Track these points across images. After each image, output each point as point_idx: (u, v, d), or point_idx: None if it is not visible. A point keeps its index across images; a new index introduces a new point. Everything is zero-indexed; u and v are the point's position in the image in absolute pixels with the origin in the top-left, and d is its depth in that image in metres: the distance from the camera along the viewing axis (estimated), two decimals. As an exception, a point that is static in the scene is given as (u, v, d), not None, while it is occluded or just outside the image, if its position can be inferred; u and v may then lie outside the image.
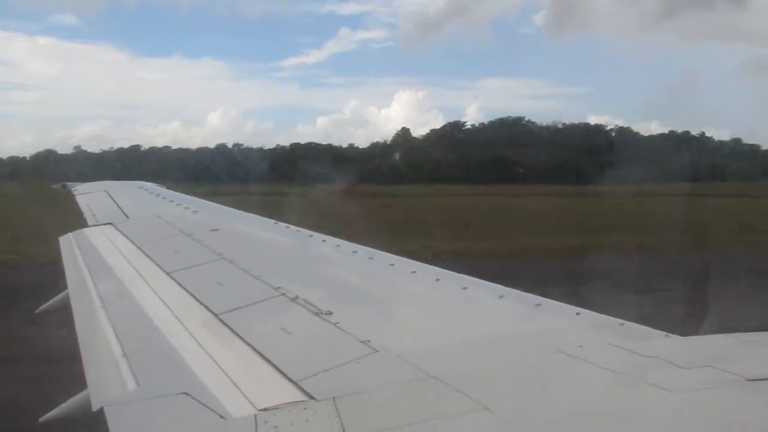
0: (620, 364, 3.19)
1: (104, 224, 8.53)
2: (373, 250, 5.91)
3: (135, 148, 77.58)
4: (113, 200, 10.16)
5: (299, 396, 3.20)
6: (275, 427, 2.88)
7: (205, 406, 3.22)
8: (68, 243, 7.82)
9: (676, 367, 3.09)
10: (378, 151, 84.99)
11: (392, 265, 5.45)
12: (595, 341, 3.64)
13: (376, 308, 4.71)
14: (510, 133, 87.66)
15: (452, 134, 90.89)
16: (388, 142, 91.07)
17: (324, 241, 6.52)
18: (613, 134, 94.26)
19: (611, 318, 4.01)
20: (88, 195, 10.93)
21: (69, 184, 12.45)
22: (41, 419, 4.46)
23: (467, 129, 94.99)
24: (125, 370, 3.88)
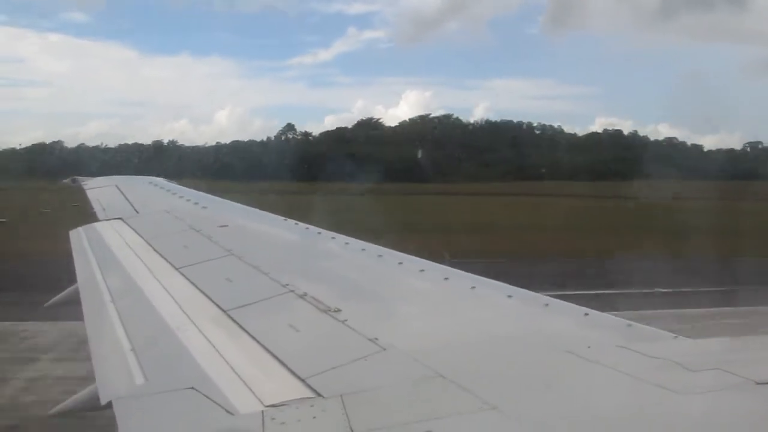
0: (628, 366, 3.18)
1: (114, 219, 8.57)
2: (382, 248, 5.91)
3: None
4: (123, 195, 10.20)
5: (307, 393, 3.21)
6: (282, 423, 2.89)
7: (213, 401, 3.24)
8: (78, 237, 7.86)
9: (685, 369, 3.08)
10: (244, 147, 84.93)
11: (401, 263, 5.45)
12: (603, 342, 3.63)
13: (384, 306, 4.71)
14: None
15: (339, 135, 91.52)
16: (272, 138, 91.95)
17: (333, 238, 6.52)
18: (537, 132, 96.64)
19: (619, 319, 4.00)
20: (98, 189, 10.98)
21: (79, 178, 12.50)
22: (50, 412, 4.49)
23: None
24: (133, 365, 3.90)
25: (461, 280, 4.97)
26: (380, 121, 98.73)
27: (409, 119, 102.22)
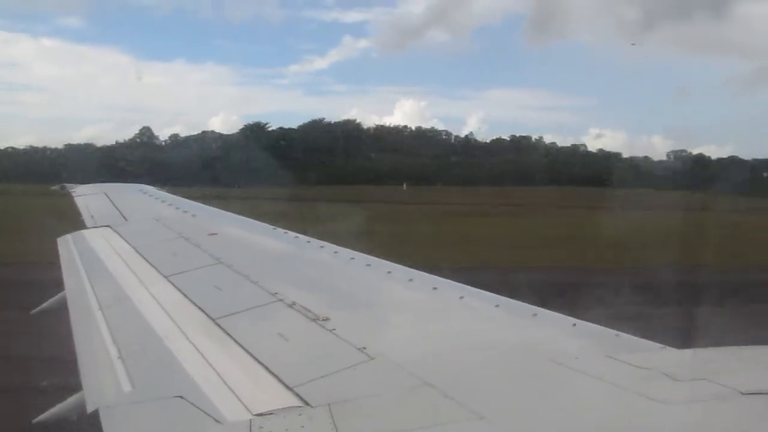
0: (616, 376, 3.20)
1: (102, 226, 8.54)
2: (371, 257, 5.92)
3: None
4: (112, 202, 10.16)
5: (295, 402, 3.21)
6: None
7: (201, 410, 3.23)
8: (66, 244, 7.82)
9: (671, 379, 3.10)
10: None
11: (389, 272, 5.46)
12: (590, 352, 3.65)
13: (372, 315, 4.71)
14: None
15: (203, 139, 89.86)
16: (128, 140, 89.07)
17: (322, 247, 6.53)
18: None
19: (607, 329, 4.02)
20: (87, 197, 10.93)
21: (68, 185, 12.44)
22: (35, 420, 4.45)
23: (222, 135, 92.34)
24: (121, 373, 3.88)
25: (450, 289, 4.98)
26: (268, 126, 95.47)
27: (303, 124, 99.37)
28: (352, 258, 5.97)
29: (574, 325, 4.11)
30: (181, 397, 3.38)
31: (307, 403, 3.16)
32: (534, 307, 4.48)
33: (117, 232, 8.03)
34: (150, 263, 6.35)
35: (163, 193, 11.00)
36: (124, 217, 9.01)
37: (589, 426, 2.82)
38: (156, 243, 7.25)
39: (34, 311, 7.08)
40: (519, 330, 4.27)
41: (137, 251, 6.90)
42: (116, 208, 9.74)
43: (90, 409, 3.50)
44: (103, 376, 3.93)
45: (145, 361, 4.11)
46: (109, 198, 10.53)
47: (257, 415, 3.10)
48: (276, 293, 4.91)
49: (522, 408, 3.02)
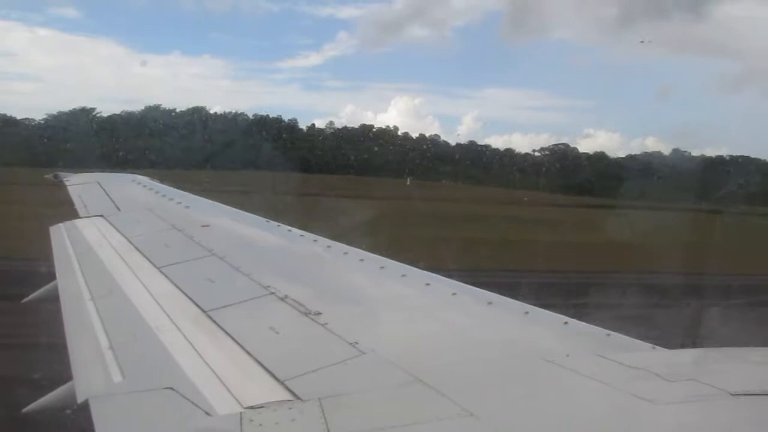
0: (605, 375, 3.21)
1: (95, 216, 8.50)
2: (364, 252, 5.91)
3: None
4: (105, 192, 10.12)
5: (285, 395, 3.21)
6: (260, 425, 2.89)
7: (191, 402, 3.23)
8: (59, 233, 7.78)
9: (661, 379, 3.11)
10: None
11: (382, 268, 5.46)
12: (581, 351, 3.67)
13: (364, 310, 4.71)
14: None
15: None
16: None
17: (315, 241, 6.52)
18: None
19: (598, 328, 4.04)
20: (80, 186, 10.88)
21: (61, 174, 12.36)
22: (25, 409, 4.44)
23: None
24: (112, 363, 3.87)
25: (442, 286, 4.99)
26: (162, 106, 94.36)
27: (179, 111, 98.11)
28: (345, 253, 5.97)
29: (566, 323, 4.13)
30: (171, 388, 3.38)
31: (297, 397, 3.17)
32: (526, 305, 4.49)
33: (110, 222, 7.99)
34: (142, 254, 6.33)
35: (156, 184, 10.94)
36: (117, 207, 8.97)
37: (579, 424, 2.83)
38: (148, 234, 7.22)
39: (25, 300, 7.07)
40: (511, 327, 4.28)
41: (130, 242, 6.88)
42: (109, 197, 9.69)
43: (80, 399, 3.49)
44: (94, 366, 3.92)
45: (135, 352, 4.10)
46: (102, 188, 10.47)
47: (248, 408, 3.10)
48: (268, 286, 4.91)
49: (512, 405, 3.03)
